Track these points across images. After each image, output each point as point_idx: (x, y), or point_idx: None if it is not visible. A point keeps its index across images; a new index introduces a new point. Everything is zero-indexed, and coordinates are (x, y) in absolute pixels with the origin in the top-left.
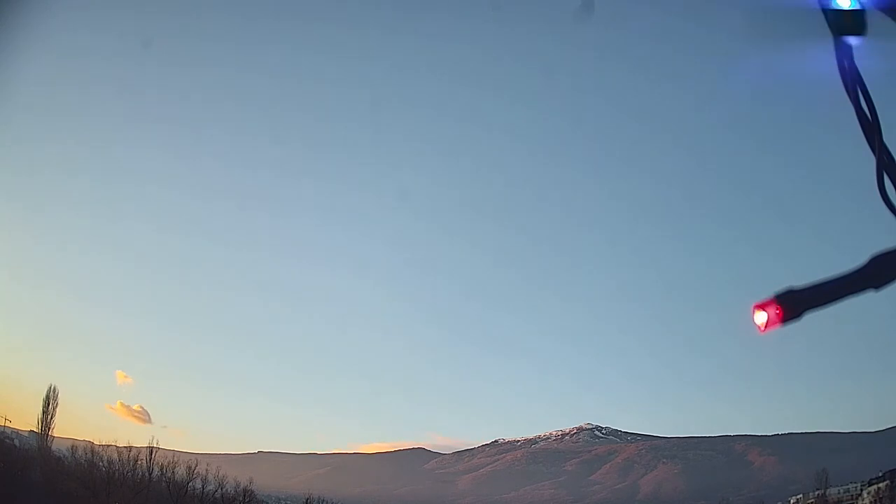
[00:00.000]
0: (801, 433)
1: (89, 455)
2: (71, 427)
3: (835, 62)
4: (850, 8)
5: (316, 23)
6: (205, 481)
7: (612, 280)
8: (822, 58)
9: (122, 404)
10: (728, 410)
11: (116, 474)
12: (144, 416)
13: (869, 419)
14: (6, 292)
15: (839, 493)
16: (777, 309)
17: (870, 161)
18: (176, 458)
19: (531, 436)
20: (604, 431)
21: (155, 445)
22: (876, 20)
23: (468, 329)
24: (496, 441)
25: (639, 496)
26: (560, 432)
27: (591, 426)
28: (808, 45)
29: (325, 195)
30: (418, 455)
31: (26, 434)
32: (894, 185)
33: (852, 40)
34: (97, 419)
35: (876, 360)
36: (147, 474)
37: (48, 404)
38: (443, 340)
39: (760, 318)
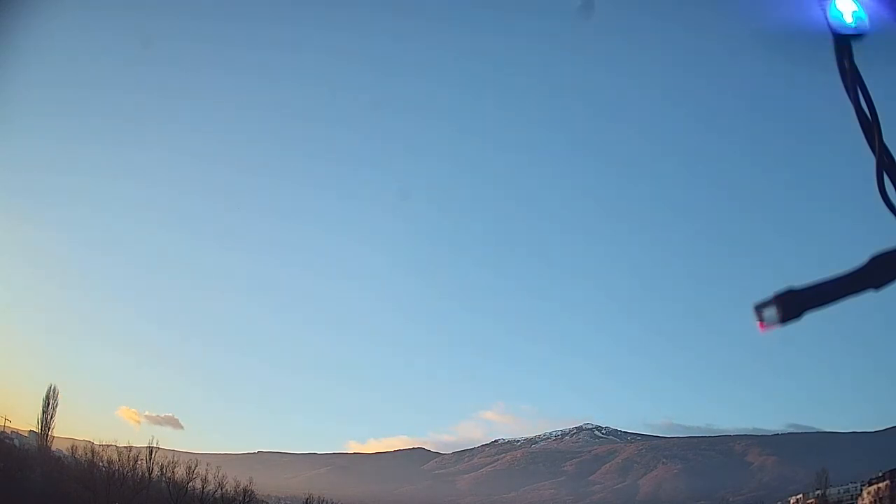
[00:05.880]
0: (801, 433)
1: (89, 455)
2: (71, 427)
3: (835, 62)
4: (850, 9)
5: (315, 26)
6: (205, 481)
7: (611, 280)
8: (822, 58)
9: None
10: (728, 410)
11: (116, 474)
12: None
13: (869, 419)
14: (6, 292)
15: (839, 493)
16: (777, 309)
17: (870, 161)
18: (176, 458)
19: (531, 436)
20: (604, 431)
21: (155, 445)
22: (876, 21)
23: (468, 329)
24: (496, 441)
25: (638, 496)
26: (560, 432)
27: (591, 426)
28: (807, 47)
29: (326, 199)
30: (418, 455)
31: (26, 434)
32: (894, 185)
33: (852, 40)
34: (97, 419)
35: (876, 360)
36: (147, 474)
37: (48, 404)
38: (442, 341)
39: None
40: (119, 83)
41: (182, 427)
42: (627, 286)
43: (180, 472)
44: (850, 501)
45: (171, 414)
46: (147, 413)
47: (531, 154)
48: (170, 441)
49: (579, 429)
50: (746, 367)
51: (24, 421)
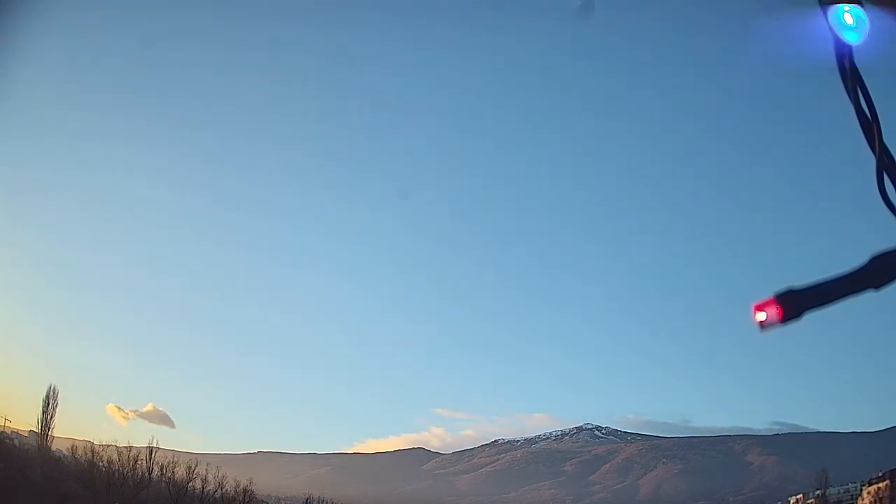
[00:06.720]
0: (801, 433)
1: (89, 455)
2: (71, 427)
3: (834, 62)
4: (850, 8)
5: (315, 26)
6: (205, 481)
7: (612, 280)
8: (821, 58)
9: None
10: (728, 411)
11: (116, 474)
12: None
13: (869, 419)
14: (6, 292)
15: (839, 493)
16: (777, 309)
17: (870, 161)
18: (176, 458)
19: (531, 436)
20: (604, 431)
21: (155, 445)
22: (876, 20)
23: (467, 330)
24: (496, 441)
25: (638, 496)
26: (560, 432)
27: (591, 426)
28: (807, 45)
29: (326, 199)
30: (418, 455)
31: (26, 434)
32: (894, 185)
33: (852, 40)
34: (97, 419)
35: (876, 360)
36: (147, 474)
37: (48, 404)
38: (442, 341)
39: (760, 317)
40: (120, 83)
41: (175, 426)
42: (628, 286)
43: (180, 472)
44: (850, 501)
45: (167, 413)
46: (143, 410)
47: (531, 154)
48: (166, 440)
49: (579, 429)
50: (746, 368)
51: (24, 421)
